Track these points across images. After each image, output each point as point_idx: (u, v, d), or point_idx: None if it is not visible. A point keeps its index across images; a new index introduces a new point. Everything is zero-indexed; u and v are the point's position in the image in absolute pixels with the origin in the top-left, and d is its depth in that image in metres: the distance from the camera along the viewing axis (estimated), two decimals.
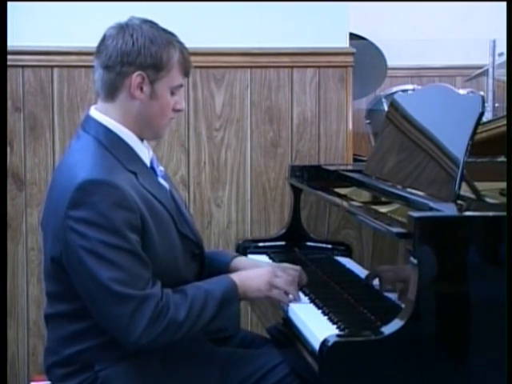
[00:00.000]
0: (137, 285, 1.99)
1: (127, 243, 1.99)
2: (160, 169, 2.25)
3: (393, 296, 2.04)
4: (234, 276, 2.17)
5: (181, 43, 2.17)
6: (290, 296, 2.20)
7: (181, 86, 2.17)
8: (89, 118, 2.16)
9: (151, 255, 2.06)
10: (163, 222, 2.12)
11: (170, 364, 2.12)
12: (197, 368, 2.14)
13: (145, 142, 2.21)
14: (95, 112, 2.16)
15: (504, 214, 1.90)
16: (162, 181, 2.23)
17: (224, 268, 2.34)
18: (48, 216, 2.14)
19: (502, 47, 4.34)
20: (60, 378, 2.14)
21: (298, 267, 2.30)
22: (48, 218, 2.14)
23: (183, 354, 2.13)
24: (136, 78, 2.10)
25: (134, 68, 2.09)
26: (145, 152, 2.19)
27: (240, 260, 2.40)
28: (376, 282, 2.15)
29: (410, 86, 4.59)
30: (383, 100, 4.59)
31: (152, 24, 2.15)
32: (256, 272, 2.22)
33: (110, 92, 2.13)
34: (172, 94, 2.15)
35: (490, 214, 1.94)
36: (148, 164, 2.19)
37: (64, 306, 2.12)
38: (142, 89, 2.11)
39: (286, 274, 2.22)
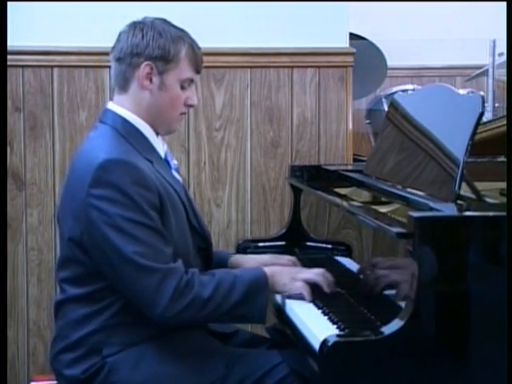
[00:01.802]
0: (160, 259, 2.05)
1: (148, 219, 2.06)
2: (174, 162, 2.32)
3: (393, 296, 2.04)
4: (266, 268, 2.21)
5: (192, 39, 2.24)
6: (326, 289, 2.20)
7: (191, 80, 2.24)
8: (106, 111, 2.24)
9: (168, 236, 2.11)
10: (177, 209, 2.19)
11: (177, 356, 2.13)
12: (203, 360, 2.15)
13: (159, 137, 2.27)
14: (112, 105, 2.24)
15: (504, 213, 1.89)
16: (175, 174, 2.30)
17: (223, 265, 2.37)
18: (66, 202, 2.19)
19: (502, 47, 4.33)
20: (67, 364, 2.15)
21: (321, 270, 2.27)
22: (66, 204, 2.18)
23: (192, 346, 2.16)
24: (144, 68, 2.18)
25: (143, 59, 2.18)
26: (159, 145, 2.26)
27: (236, 257, 2.46)
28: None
29: (410, 86, 4.58)
30: (383, 100, 4.58)
31: (164, 21, 2.24)
32: (287, 268, 2.29)
33: (123, 83, 2.22)
34: (183, 88, 2.22)
35: (490, 213, 1.94)
36: (163, 156, 2.27)
37: (77, 290, 2.16)
38: (151, 80, 2.19)
39: (313, 270, 2.26)
